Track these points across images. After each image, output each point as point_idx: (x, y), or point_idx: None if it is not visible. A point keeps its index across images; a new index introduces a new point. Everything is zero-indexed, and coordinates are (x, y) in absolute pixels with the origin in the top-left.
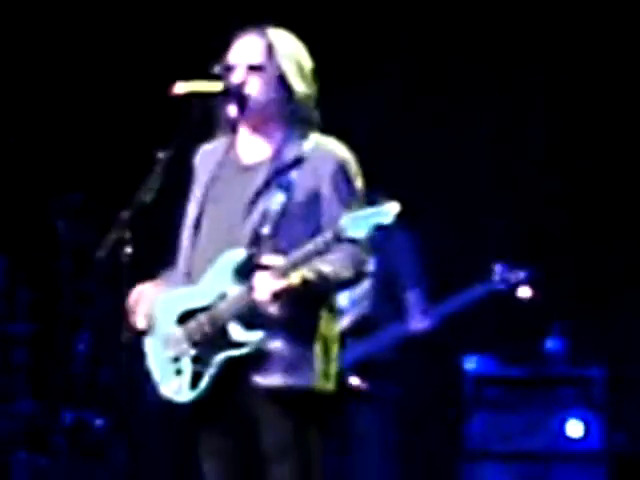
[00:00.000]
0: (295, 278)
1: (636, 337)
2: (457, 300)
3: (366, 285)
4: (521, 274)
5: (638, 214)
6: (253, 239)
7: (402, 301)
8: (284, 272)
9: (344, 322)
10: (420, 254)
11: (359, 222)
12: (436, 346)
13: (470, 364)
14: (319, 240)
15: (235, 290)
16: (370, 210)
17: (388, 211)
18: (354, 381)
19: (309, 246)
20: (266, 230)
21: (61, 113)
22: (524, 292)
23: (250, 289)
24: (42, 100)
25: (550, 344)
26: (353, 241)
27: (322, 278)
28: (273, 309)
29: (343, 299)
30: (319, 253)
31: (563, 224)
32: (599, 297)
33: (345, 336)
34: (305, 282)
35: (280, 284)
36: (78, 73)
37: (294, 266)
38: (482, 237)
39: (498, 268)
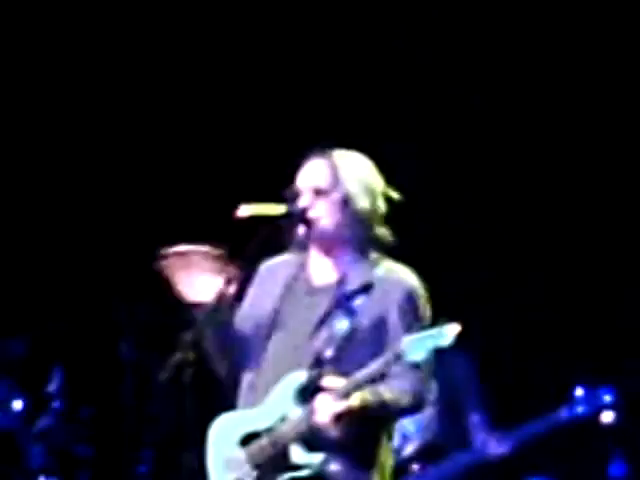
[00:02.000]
0: (355, 400)
1: None
2: (538, 425)
3: (431, 411)
4: (605, 397)
5: None
6: (316, 362)
7: (466, 425)
8: (345, 394)
9: (410, 448)
10: (479, 376)
11: (418, 344)
12: (497, 468)
13: None
14: (380, 361)
15: (296, 412)
16: (430, 332)
17: (447, 333)
18: None
19: (371, 367)
20: (329, 353)
21: (126, 229)
22: (607, 416)
23: (311, 411)
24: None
25: (612, 468)
26: (416, 367)
27: (382, 402)
28: (333, 431)
29: (410, 425)
30: (381, 375)
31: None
32: None
33: (411, 463)
34: (365, 405)
35: (340, 406)
36: (140, 196)
37: (356, 388)
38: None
39: (580, 391)
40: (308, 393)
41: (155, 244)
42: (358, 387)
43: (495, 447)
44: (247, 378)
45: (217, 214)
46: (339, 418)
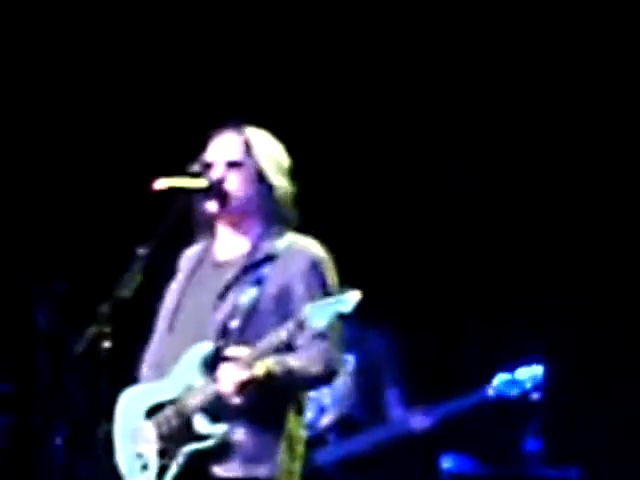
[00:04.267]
0: (259, 369)
1: (611, 437)
2: (463, 402)
3: (348, 383)
4: (534, 378)
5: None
6: (221, 332)
7: (384, 400)
8: (249, 363)
9: (326, 420)
10: (397, 353)
11: (320, 310)
12: (415, 444)
13: (447, 463)
14: (282, 329)
15: (201, 382)
16: (331, 299)
17: (348, 299)
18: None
19: (273, 336)
20: (235, 324)
21: (45, 203)
22: (533, 397)
23: (215, 381)
24: (26, 189)
25: (528, 444)
26: (323, 336)
27: (288, 371)
28: (237, 400)
29: (326, 397)
30: (287, 345)
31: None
32: (576, 394)
33: (327, 434)
34: (269, 374)
35: (244, 375)
36: (63, 163)
37: (259, 357)
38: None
39: (507, 373)
40: (213, 363)
41: (71, 220)
42: (261, 356)
43: (414, 422)
44: (147, 356)
45: (130, 187)
46: (243, 387)
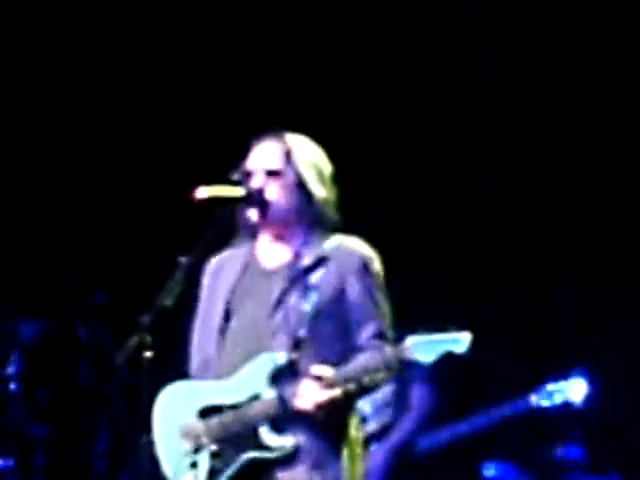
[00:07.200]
0: (339, 391)
1: None
2: (505, 410)
3: (388, 391)
4: (575, 392)
5: None
6: (293, 343)
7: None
8: (332, 384)
9: (369, 428)
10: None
11: (429, 347)
12: (456, 452)
13: (489, 471)
14: (379, 361)
15: (270, 393)
16: (442, 336)
17: (462, 340)
18: None
19: (367, 365)
20: (303, 333)
21: (87, 213)
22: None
23: (293, 396)
24: (67, 199)
25: (567, 451)
26: (381, 337)
27: (361, 387)
28: (313, 417)
29: (366, 406)
30: (377, 371)
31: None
32: (617, 402)
33: (370, 442)
34: (347, 394)
35: (326, 395)
36: (104, 174)
37: (345, 381)
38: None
39: (551, 384)
40: (285, 376)
41: (113, 231)
42: (347, 381)
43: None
44: (197, 359)
45: (170, 196)
46: (322, 407)
